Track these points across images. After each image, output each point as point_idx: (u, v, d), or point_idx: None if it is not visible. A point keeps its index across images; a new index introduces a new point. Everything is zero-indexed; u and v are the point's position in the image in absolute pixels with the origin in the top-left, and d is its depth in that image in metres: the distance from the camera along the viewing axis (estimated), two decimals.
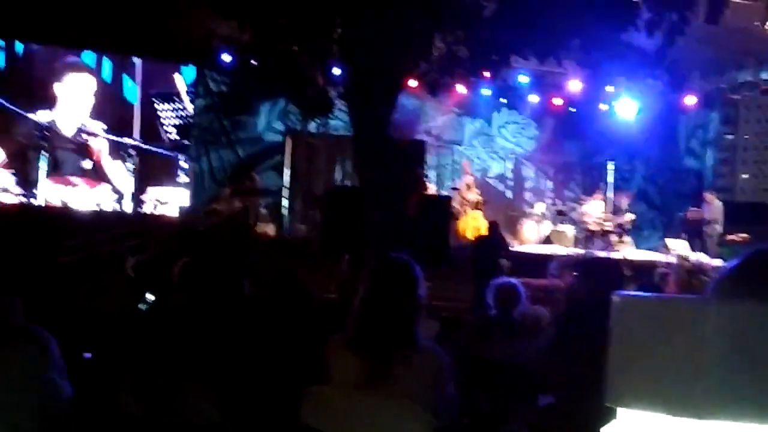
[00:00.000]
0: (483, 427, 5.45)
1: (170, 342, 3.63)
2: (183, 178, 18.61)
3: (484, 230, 16.59)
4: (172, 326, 3.71)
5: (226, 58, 17.80)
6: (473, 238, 16.55)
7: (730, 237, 18.79)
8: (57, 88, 17.62)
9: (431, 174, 20.22)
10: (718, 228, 18.72)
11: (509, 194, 21.82)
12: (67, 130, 17.73)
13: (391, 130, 14.43)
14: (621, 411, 1.07)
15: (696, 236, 18.39)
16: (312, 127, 19.19)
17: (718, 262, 15.88)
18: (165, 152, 18.53)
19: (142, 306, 6.21)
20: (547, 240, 18.74)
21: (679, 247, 16.94)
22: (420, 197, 15.90)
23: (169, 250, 12.60)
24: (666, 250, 16.86)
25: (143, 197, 18.02)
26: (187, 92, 18.71)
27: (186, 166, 18.63)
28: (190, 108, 18.71)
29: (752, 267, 1.51)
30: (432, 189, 18.76)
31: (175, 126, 18.72)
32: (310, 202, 18.97)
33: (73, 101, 17.74)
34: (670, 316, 1.05)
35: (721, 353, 1.02)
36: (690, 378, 1.02)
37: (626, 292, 1.11)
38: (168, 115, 18.70)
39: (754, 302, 1.20)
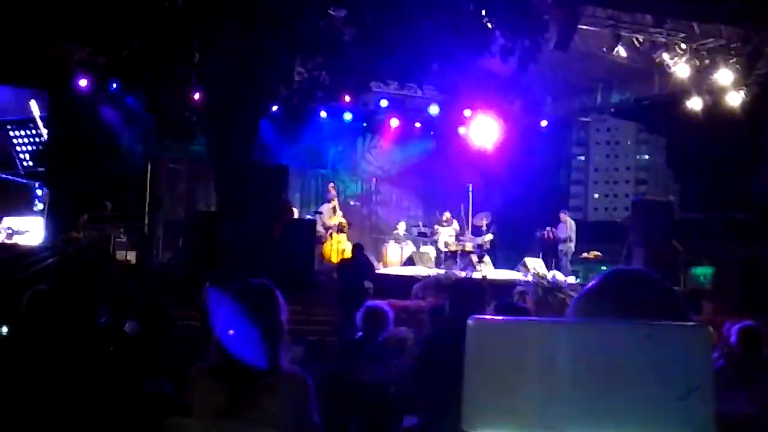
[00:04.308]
0: None
1: (22, 376, 3.48)
2: (40, 206, 17.92)
3: (348, 253, 16.66)
4: (22, 360, 3.55)
5: (83, 82, 17.28)
6: (338, 261, 16.60)
7: (584, 255, 19.56)
8: None
9: (296, 198, 20.21)
10: (572, 246, 19.42)
11: (372, 217, 22.05)
12: None
13: (255, 155, 14.35)
14: None
15: (551, 255, 19.00)
16: (174, 151, 18.85)
17: (572, 280, 16.51)
18: (20, 180, 17.80)
19: None
20: (410, 261, 18.96)
21: (536, 266, 17.45)
22: (284, 222, 15.84)
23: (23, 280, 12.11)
24: (524, 269, 17.34)
25: None
26: (42, 117, 18.05)
27: (41, 193, 17.97)
28: (45, 134, 18.06)
29: (607, 288, 1.58)
30: (296, 213, 18.73)
31: (30, 153, 18.02)
32: (172, 228, 18.59)
33: None
34: (522, 338, 1.09)
35: (572, 374, 1.06)
36: (543, 399, 1.06)
37: (481, 317, 1.14)
38: (23, 142, 17.99)
39: (602, 322, 1.25)
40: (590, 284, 1.60)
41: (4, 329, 6.53)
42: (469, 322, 1.10)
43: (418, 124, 21.47)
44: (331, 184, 20.20)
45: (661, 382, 1.05)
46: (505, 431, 1.07)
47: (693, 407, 1.04)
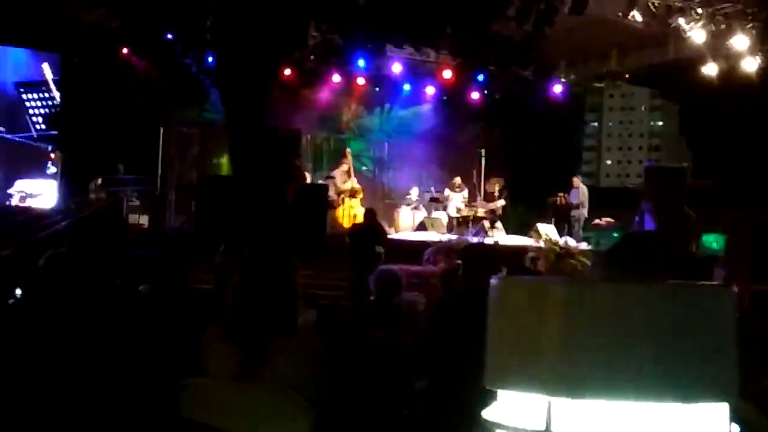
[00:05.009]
0: (364, 412, 5.50)
1: (38, 338, 3.50)
2: (53, 169, 17.97)
3: (360, 218, 16.66)
4: (39, 322, 3.57)
5: (95, 45, 17.18)
6: (350, 227, 16.61)
7: (595, 221, 19.50)
8: None
9: (308, 162, 20.18)
10: (584, 212, 19.35)
11: (384, 182, 22.02)
12: None
13: (268, 119, 14.33)
14: (501, 393, 1.08)
15: (563, 221, 18.94)
16: (186, 114, 18.83)
17: (584, 246, 16.47)
18: (33, 143, 17.84)
19: (10, 301, 5.97)
20: (421, 226, 18.94)
21: (547, 232, 17.40)
22: (296, 186, 15.84)
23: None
24: (536, 235, 17.29)
25: (10, 190, 17.28)
26: (54, 80, 18.04)
27: (54, 156, 18.00)
28: (58, 97, 18.06)
29: (626, 250, 1.58)
30: (309, 178, 18.71)
31: (43, 116, 18.04)
32: (184, 192, 18.63)
33: None
34: (546, 298, 1.08)
35: (595, 334, 1.05)
36: (565, 360, 1.05)
37: (504, 275, 1.13)
38: (36, 105, 18.01)
39: (626, 283, 1.24)
40: (608, 247, 1.59)
41: (18, 291, 6.57)
42: (492, 280, 1.10)
43: (431, 89, 21.34)
44: (348, 149, 20.12)
45: (685, 343, 1.04)
46: (529, 391, 1.06)
47: (717, 368, 1.03)
